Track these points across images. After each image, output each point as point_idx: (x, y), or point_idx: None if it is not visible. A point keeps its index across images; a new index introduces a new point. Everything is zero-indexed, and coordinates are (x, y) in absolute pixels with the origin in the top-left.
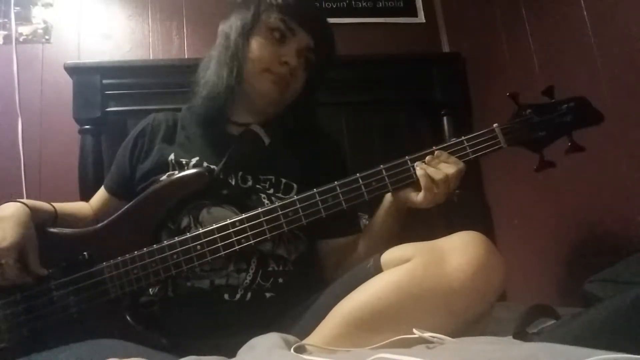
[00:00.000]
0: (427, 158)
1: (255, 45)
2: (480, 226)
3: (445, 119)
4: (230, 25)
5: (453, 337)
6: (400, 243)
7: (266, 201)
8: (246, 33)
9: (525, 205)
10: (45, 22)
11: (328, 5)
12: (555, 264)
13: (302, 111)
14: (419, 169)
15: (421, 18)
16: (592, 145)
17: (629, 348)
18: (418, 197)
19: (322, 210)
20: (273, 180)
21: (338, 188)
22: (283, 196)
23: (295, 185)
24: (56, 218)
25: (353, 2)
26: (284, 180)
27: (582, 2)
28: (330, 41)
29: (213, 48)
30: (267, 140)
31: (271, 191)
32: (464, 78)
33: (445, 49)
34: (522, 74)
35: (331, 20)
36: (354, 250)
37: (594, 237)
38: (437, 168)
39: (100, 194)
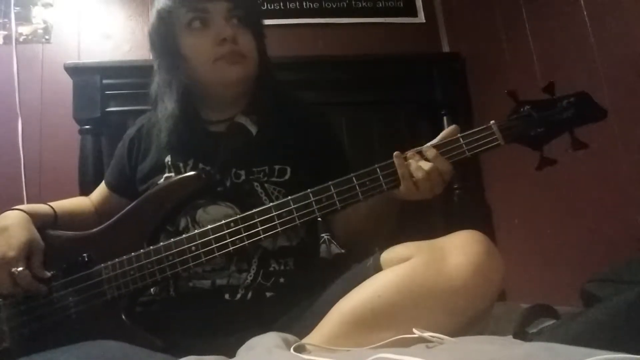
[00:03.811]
0: (409, 153)
1: (188, 46)
2: (480, 226)
3: (445, 119)
4: (154, 41)
5: (452, 336)
6: (400, 242)
7: (259, 189)
8: (173, 44)
9: (525, 205)
10: (45, 22)
11: (328, 5)
12: (555, 264)
13: (269, 66)
14: (396, 159)
15: (421, 18)
16: (592, 145)
17: (628, 348)
18: (400, 188)
19: (316, 210)
20: (267, 170)
21: (332, 188)
22: (277, 179)
23: (288, 169)
24: (56, 219)
25: (353, 2)
26: (277, 167)
27: (582, 2)
28: None
29: (155, 61)
30: (254, 130)
31: (264, 179)
32: (464, 78)
33: (445, 49)
34: (522, 74)
35: (331, 20)
36: (358, 213)
37: (594, 237)
38: (418, 165)
39: (101, 190)
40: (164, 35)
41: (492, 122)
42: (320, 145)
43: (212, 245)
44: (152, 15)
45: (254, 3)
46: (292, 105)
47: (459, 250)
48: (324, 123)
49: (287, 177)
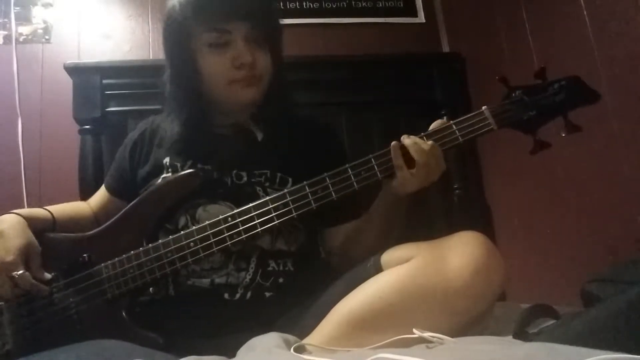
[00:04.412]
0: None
1: (205, 64)
2: (480, 226)
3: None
4: (169, 52)
5: (453, 336)
6: (401, 243)
7: (261, 193)
8: (190, 60)
9: (525, 205)
10: (45, 22)
11: (328, 5)
12: (555, 264)
13: (283, 80)
14: (393, 150)
15: (421, 18)
16: (593, 145)
17: (629, 348)
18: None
19: (312, 202)
20: (268, 174)
21: (327, 179)
22: (279, 187)
23: (290, 179)
24: (54, 223)
25: (353, 2)
26: (279, 175)
27: (582, 2)
28: (261, 5)
29: (167, 70)
30: (260, 136)
31: (267, 184)
32: (464, 78)
33: (445, 49)
34: (522, 74)
35: (331, 20)
36: (361, 235)
37: (594, 237)
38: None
39: (101, 194)
40: (180, 49)
41: (484, 107)
42: (327, 165)
43: (210, 240)
44: (170, 26)
45: (275, 19)
46: (302, 120)
47: (459, 251)
48: (335, 142)
49: (288, 186)
